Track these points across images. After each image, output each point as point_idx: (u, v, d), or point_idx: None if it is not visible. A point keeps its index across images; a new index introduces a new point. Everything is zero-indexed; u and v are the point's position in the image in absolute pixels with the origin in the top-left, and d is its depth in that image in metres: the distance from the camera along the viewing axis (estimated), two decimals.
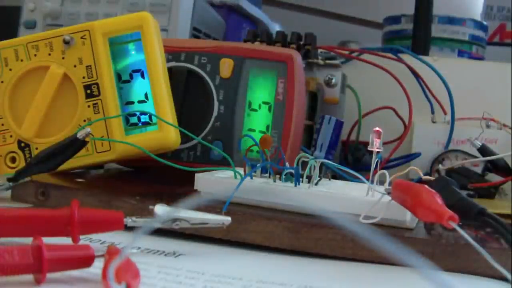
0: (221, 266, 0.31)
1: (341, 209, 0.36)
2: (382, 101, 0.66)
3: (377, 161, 0.36)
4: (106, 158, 0.43)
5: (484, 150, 0.58)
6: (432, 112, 0.66)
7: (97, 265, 0.25)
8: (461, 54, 0.83)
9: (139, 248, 0.32)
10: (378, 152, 0.36)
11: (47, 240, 0.26)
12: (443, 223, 0.27)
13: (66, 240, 0.29)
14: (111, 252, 0.25)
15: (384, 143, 0.37)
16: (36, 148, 0.43)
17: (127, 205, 0.37)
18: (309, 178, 0.39)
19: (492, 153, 0.58)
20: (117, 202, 0.37)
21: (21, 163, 0.43)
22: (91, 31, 0.43)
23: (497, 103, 0.66)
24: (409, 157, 0.63)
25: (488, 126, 0.62)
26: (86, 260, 0.26)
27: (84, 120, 0.43)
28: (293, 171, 0.38)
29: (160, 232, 0.33)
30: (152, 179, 0.52)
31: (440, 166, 0.60)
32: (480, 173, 0.58)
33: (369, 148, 0.36)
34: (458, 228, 0.26)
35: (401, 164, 0.62)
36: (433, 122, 0.65)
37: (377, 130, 0.36)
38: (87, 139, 0.39)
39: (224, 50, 0.49)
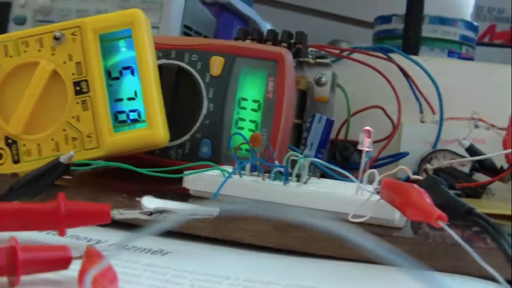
0: (208, 264, 0.30)
1: (330, 208, 0.36)
2: (372, 100, 0.66)
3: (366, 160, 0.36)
4: (94, 155, 0.42)
5: (472, 150, 0.58)
6: (421, 112, 0.66)
7: (75, 268, 0.24)
8: (451, 54, 0.84)
9: (128, 247, 0.32)
10: (368, 151, 0.36)
11: (30, 235, 0.25)
12: (432, 222, 0.27)
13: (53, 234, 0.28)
14: (89, 254, 0.25)
15: (373, 142, 0.37)
16: (24, 145, 0.42)
17: (115, 202, 0.37)
18: (298, 176, 0.39)
19: (480, 153, 0.58)
20: (104, 199, 0.37)
21: (7, 160, 0.42)
22: (82, 27, 0.43)
23: (485, 103, 0.67)
24: (397, 156, 0.63)
25: (476, 126, 0.63)
26: (63, 262, 0.25)
27: (73, 117, 0.42)
28: (282, 169, 0.38)
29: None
30: (140, 176, 0.52)
31: (428, 165, 0.60)
32: (468, 173, 0.58)
33: (359, 147, 0.36)
34: (446, 228, 0.26)
35: (388, 163, 0.63)
36: (422, 121, 0.66)
37: (367, 129, 0.36)
38: (70, 162, 0.39)
39: (215, 48, 0.49)
